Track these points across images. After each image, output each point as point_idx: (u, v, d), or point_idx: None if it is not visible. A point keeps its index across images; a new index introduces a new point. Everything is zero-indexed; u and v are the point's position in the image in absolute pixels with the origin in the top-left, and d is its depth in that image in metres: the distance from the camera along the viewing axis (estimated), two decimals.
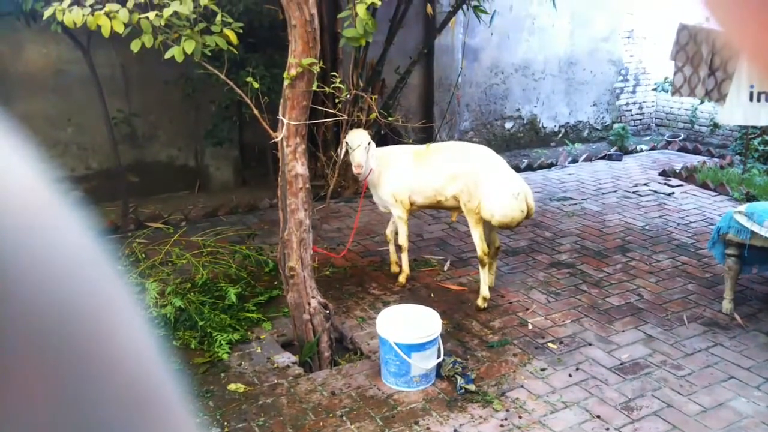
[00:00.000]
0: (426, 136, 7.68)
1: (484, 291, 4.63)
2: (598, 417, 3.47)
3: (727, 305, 4.59)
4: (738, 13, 0.41)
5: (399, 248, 5.02)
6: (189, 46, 3.50)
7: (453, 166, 4.63)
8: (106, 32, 3.48)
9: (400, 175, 4.78)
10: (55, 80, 6.42)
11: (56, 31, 5.02)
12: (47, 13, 3.64)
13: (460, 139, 8.84)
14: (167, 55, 3.55)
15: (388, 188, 4.83)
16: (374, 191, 4.96)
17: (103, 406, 0.28)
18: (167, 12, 3.39)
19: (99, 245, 0.31)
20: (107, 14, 3.48)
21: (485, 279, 4.63)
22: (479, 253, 4.62)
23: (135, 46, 3.60)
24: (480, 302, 4.62)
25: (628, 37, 10.04)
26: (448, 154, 4.74)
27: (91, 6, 3.55)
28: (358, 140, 4.62)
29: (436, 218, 6.57)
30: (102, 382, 0.28)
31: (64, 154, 6.67)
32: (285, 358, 4.02)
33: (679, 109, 10.25)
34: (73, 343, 0.27)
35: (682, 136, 9.93)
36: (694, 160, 8.77)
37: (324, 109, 4.13)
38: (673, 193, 7.46)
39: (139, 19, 3.50)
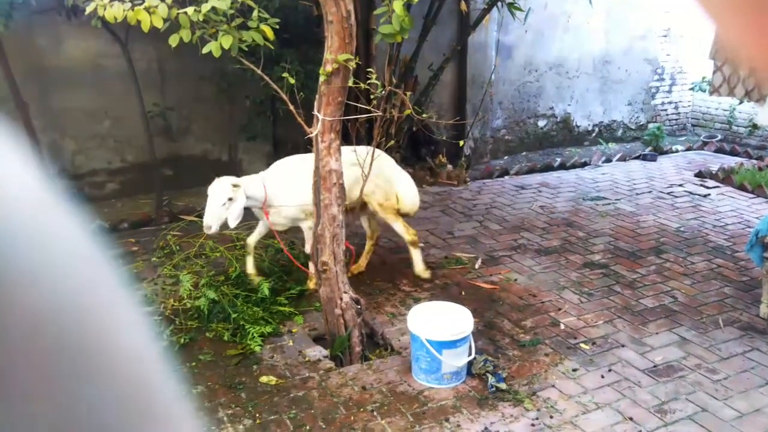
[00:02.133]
0: (458, 133, 7.65)
1: (421, 266, 5.05)
2: (631, 419, 3.43)
3: (764, 309, 4.51)
4: (730, 12, 0.40)
5: (306, 255, 4.86)
6: (226, 42, 3.53)
7: (357, 169, 4.25)
8: (145, 27, 3.53)
9: (304, 186, 4.25)
10: (94, 74, 6.52)
11: (96, 26, 5.12)
12: (89, 8, 3.71)
13: (492, 137, 8.80)
14: (205, 50, 3.59)
15: (294, 202, 4.56)
16: (276, 213, 4.67)
17: (101, 406, 0.28)
18: (205, 7, 3.43)
19: (97, 245, 0.31)
20: (147, 9, 3.54)
21: (419, 258, 5.03)
22: (410, 237, 4.95)
23: (173, 40, 3.65)
24: (424, 273, 5.04)
25: (665, 36, 9.89)
26: (345, 159, 4.18)
27: (132, 1, 3.61)
28: (214, 194, 4.38)
29: (468, 216, 6.55)
30: (100, 382, 0.28)
31: (100, 147, 6.78)
32: (316, 351, 4.05)
33: (717, 109, 10.07)
34: (71, 343, 0.27)
35: (719, 137, 9.75)
36: (731, 161, 8.61)
37: (358, 105, 4.13)
38: (709, 194, 7.34)
39: (178, 14, 3.55)
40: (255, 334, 4.10)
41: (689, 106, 10.48)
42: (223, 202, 4.34)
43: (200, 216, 6.39)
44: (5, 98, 5.76)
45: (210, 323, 4.28)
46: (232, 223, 4.37)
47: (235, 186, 4.44)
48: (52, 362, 0.26)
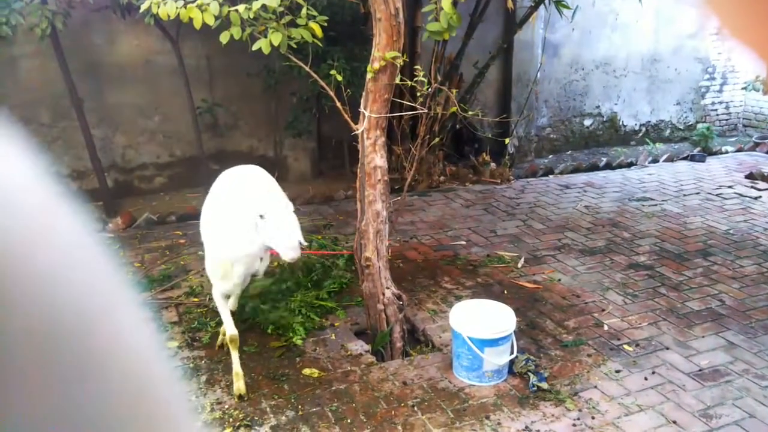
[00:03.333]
0: (502, 131, 7.62)
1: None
2: (674, 422, 3.39)
3: None
4: (739, 11, 0.40)
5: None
6: (276, 39, 3.59)
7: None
8: (197, 24, 3.61)
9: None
10: (145, 71, 6.68)
11: (149, 24, 5.25)
12: (144, 6, 3.81)
13: (537, 136, 8.74)
14: (255, 47, 3.66)
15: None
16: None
17: (102, 406, 0.28)
18: (256, 5, 3.49)
19: (99, 245, 0.31)
20: (199, 7, 3.62)
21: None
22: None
23: (224, 37, 3.72)
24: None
25: (717, 34, 9.66)
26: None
27: None
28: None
29: (511, 215, 6.52)
30: (102, 383, 0.28)
31: (150, 142, 6.95)
32: (358, 346, 4.09)
33: None
34: (72, 343, 0.27)
35: None
36: None
37: (403, 102, 4.15)
38: (761, 196, 7.15)
39: (229, 11, 3.62)
40: (298, 328, 4.16)
41: (741, 105, 10.22)
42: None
43: None
44: (62, 94, 5.96)
45: (255, 317, 4.33)
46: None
47: None
48: (55, 363, 0.26)
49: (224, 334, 3.87)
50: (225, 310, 3.71)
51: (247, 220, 3.15)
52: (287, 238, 3.04)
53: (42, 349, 0.26)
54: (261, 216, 3.09)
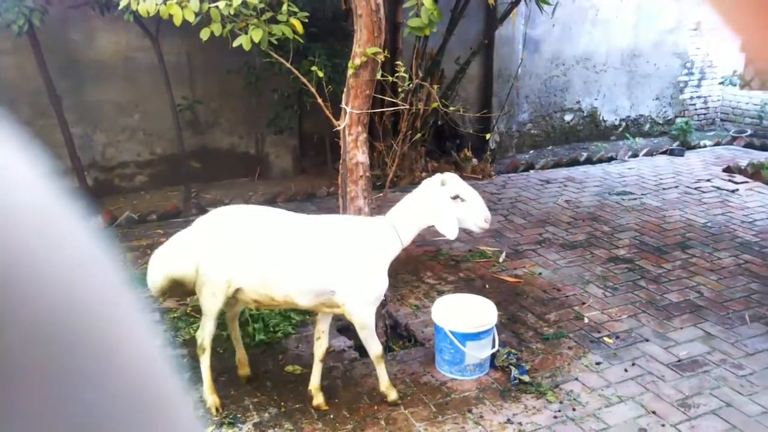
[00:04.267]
0: (483, 127, 7.65)
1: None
2: (654, 413, 3.44)
3: None
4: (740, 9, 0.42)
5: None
6: (257, 35, 3.58)
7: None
8: (177, 21, 3.59)
9: None
10: (124, 68, 6.64)
11: (128, 20, 5.21)
12: (123, 2, 3.78)
13: (518, 131, 8.78)
14: (235, 44, 3.65)
15: None
16: None
17: (108, 408, 0.28)
18: (236, 1, 3.48)
19: (104, 248, 0.31)
20: (179, 3, 3.60)
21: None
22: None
23: (204, 34, 3.71)
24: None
25: (695, 29, 9.77)
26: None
27: None
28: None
29: (492, 210, 6.54)
30: (107, 384, 0.28)
31: (130, 140, 6.91)
32: (341, 342, 4.10)
33: (747, 103, 9.92)
34: (77, 347, 0.27)
35: (749, 132, 9.61)
36: (761, 156, 8.49)
37: (384, 98, 4.17)
38: (738, 190, 7.25)
39: (209, 8, 3.61)
40: (281, 324, 4.17)
41: (719, 100, 10.35)
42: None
43: None
44: (40, 92, 5.90)
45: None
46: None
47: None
48: (59, 363, 0.26)
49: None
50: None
51: (433, 204, 3.26)
52: (483, 212, 3.28)
53: (48, 350, 0.26)
54: (457, 197, 3.24)
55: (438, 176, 3.31)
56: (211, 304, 3.28)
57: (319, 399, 3.47)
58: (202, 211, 6.43)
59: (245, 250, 3.16)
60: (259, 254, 3.15)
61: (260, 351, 4.01)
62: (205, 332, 3.37)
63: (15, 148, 0.28)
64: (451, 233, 3.27)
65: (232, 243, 3.16)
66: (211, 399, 3.44)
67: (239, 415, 3.42)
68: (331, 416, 3.41)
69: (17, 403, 0.24)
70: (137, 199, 6.80)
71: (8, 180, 0.27)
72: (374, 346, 3.39)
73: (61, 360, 0.26)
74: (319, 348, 3.50)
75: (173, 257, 3.29)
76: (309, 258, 3.15)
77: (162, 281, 3.29)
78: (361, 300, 3.21)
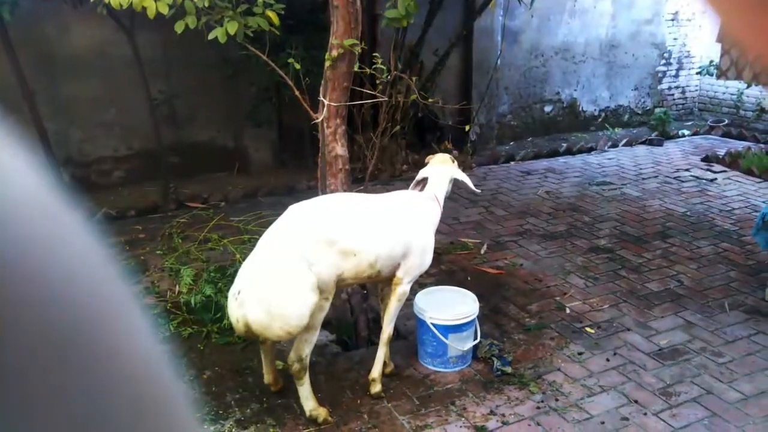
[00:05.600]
0: (463, 118, 7.64)
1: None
2: (636, 402, 3.45)
3: None
4: (737, 10, 0.41)
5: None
6: (232, 28, 3.53)
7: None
8: (151, 14, 3.53)
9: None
10: (99, 62, 6.53)
11: (101, 14, 5.11)
12: None
13: (498, 123, 8.78)
14: (210, 36, 3.60)
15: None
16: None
17: (108, 406, 0.27)
18: None
19: (103, 248, 0.30)
20: None
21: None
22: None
23: (179, 27, 3.65)
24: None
25: (672, 20, 9.83)
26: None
27: None
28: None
29: (473, 202, 6.56)
30: (106, 381, 0.28)
31: (107, 135, 6.81)
32: (323, 336, 4.07)
33: (724, 93, 10.01)
34: (76, 343, 0.27)
35: (726, 122, 9.70)
36: (738, 145, 8.58)
37: (363, 90, 4.13)
38: (716, 179, 7.32)
39: (183, 0, 3.55)
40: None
41: (696, 90, 10.43)
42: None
43: (206, 202, 6.43)
44: (12, 87, 5.78)
45: (204, 318, 4.23)
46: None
47: None
48: (58, 360, 0.26)
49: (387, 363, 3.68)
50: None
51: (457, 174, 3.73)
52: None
53: (48, 348, 0.26)
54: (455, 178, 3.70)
55: (448, 156, 3.83)
56: (322, 313, 3.12)
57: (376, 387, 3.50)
58: (181, 206, 6.36)
59: (341, 240, 3.08)
60: (353, 237, 3.12)
61: (241, 347, 3.97)
62: (310, 349, 3.19)
63: (10, 142, 0.28)
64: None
65: (328, 238, 3.05)
66: (323, 411, 3.30)
67: (221, 412, 3.39)
68: None
69: (16, 401, 0.24)
70: (115, 195, 6.71)
71: (7, 176, 0.27)
72: (392, 326, 3.54)
73: (61, 357, 0.26)
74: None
75: (301, 282, 2.94)
76: (390, 227, 3.29)
77: (311, 307, 2.98)
78: (417, 268, 3.43)
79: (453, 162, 3.79)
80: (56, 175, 6.15)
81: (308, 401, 3.27)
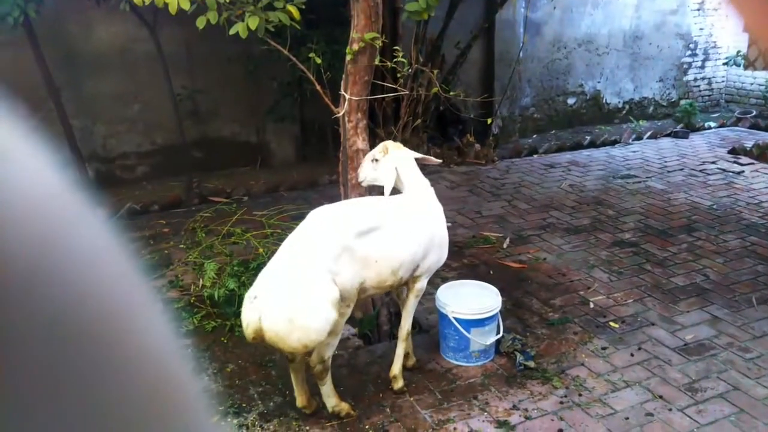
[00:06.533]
0: (485, 111, 7.60)
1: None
2: (661, 397, 3.41)
3: None
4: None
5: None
6: (253, 23, 3.54)
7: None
8: (173, 10, 3.55)
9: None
10: (123, 58, 6.59)
11: (124, 10, 5.16)
12: None
13: (520, 116, 8.71)
14: (232, 32, 3.60)
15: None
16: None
17: (120, 401, 0.28)
18: None
19: (121, 246, 0.30)
20: None
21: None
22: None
23: (200, 22, 3.67)
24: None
25: (698, 10, 9.67)
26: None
27: None
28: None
29: (496, 195, 6.52)
30: (119, 376, 0.28)
31: (130, 131, 6.87)
32: (345, 330, 4.07)
33: (752, 84, 9.83)
34: (90, 337, 0.27)
35: (754, 113, 9.53)
36: (766, 137, 8.42)
37: (384, 84, 4.12)
38: (743, 171, 7.20)
39: None
40: None
41: (723, 81, 10.26)
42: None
43: (229, 197, 6.47)
44: (38, 84, 5.85)
45: (227, 311, 4.25)
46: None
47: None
48: (72, 354, 0.26)
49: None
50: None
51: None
52: None
53: (59, 344, 0.26)
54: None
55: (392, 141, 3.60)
56: (343, 320, 3.10)
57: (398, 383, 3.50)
58: (204, 201, 6.41)
59: (364, 248, 3.05)
60: (374, 245, 3.08)
61: None
62: (332, 351, 3.17)
63: (20, 139, 0.28)
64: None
65: (351, 247, 3.01)
66: (345, 405, 3.31)
67: (244, 405, 3.41)
68: None
69: (28, 394, 0.24)
70: (139, 189, 6.77)
71: (17, 170, 0.27)
72: (410, 322, 3.54)
73: (75, 350, 0.26)
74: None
75: (326, 297, 2.89)
76: (412, 232, 3.26)
77: (333, 323, 2.93)
78: (435, 264, 3.46)
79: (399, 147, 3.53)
80: (81, 171, 6.23)
81: (330, 398, 3.28)
